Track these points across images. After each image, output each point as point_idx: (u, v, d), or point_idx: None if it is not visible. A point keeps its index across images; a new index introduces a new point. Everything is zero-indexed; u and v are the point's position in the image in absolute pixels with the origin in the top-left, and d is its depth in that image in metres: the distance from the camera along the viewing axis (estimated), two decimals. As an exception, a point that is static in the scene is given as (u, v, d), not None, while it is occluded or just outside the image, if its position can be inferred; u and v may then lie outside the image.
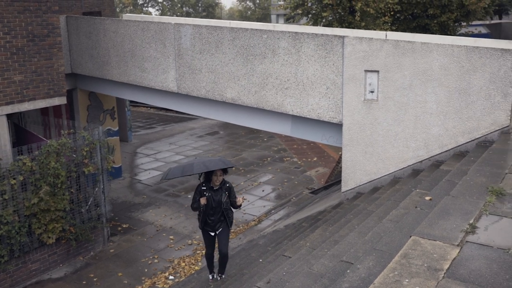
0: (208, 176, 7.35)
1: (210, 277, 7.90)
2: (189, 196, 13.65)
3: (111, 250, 10.41)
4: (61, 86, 10.93)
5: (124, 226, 11.66)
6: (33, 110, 12.96)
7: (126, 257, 10.15)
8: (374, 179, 8.29)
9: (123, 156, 16.85)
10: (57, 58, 10.80)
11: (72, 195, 9.73)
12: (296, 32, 8.89)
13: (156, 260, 9.93)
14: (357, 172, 8.48)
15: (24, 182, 8.94)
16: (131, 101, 20.27)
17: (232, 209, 7.63)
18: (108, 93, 13.46)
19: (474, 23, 26.91)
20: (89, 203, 10.12)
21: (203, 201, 7.20)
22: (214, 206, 7.31)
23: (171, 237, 11.00)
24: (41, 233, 9.23)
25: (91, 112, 14.75)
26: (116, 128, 15.78)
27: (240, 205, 7.61)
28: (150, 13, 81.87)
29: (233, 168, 15.03)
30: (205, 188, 7.31)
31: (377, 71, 7.95)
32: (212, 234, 7.57)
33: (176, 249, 10.42)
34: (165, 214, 12.35)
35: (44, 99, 10.59)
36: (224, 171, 7.38)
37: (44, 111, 13.79)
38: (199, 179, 7.52)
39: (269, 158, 17.61)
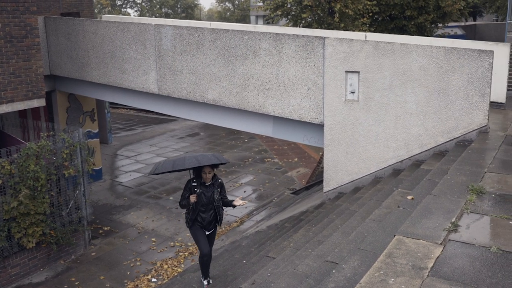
0: (199, 171, 6.82)
1: (206, 283, 7.15)
2: (171, 198, 13.59)
3: (93, 254, 10.30)
4: (39, 88, 10.78)
5: (105, 229, 11.54)
6: (11, 112, 12.75)
7: (108, 260, 10.05)
8: (356, 179, 8.37)
9: (103, 158, 16.68)
10: (36, 60, 10.65)
11: (52, 198, 9.59)
12: (277, 33, 8.92)
13: (138, 263, 9.85)
14: (338, 172, 8.55)
15: (3, 186, 8.78)
16: (110, 103, 20.08)
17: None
18: (87, 94, 13.32)
19: (450, 24, 27.40)
20: (69, 206, 9.99)
21: (193, 198, 6.68)
22: (205, 203, 6.80)
23: (153, 239, 10.93)
24: (20, 237, 9.08)
25: (71, 114, 14.57)
26: (96, 130, 15.61)
27: (234, 206, 7.00)
28: (128, 14, 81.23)
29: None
30: (196, 184, 6.79)
31: (358, 72, 8.03)
32: (204, 231, 7.02)
33: (159, 251, 10.36)
34: (146, 216, 12.26)
35: (22, 101, 10.43)
36: (213, 167, 6.86)
37: (22, 113, 13.57)
38: (189, 174, 7.00)
39: (250, 159, 17.62)
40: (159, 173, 6.69)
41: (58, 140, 9.75)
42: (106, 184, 14.93)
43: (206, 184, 6.80)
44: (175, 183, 14.85)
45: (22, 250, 9.25)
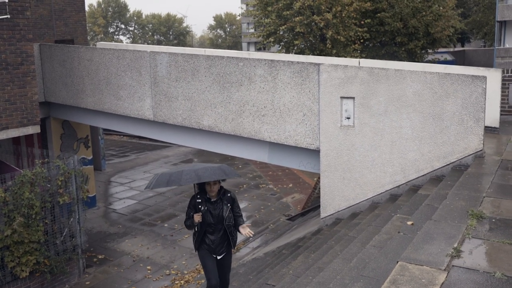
0: (202, 184, 5.93)
1: None
2: (166, 225, 13.48)
3: (87, 282, 10.13)
4: (34, 115, 10.75)
5: (99, 257, 11.38)
6: (5, 139, 12.68)
7: (102, 289, 9.89)
8: (353, 205, 8.36)
9: (97, 185, 16.56)
10: (31, 87, 10.66)
11: (46, 226, 9.47)
12: (272, 60, 9.02)
13: (133, 292, 9.70)
14: (335, 198, 8.54)
15: (-4, 214, 8.68)
16: (104, 129, 20.05)
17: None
18: (82, 121, 13.30)
19: (439, 50, 27.87)
20: (64, 234, 9.87)
21: (197, 218, 5.76)
22: (213, 222, 5.86)
23: (148, 267, 10.78)
24: (14, 266, 8.92)
25: (65, 141, 14.52)
26: (90, 157, 15.55)
27: (243, 234, 5.92)
28: (121, 41, 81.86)
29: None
30: (200, 200, 5.87)
31: (353, 98, 8.11)
32: (213, 256, 6.05)
33: (154, 279, 10.21)
34: (141, 244, 12.12)
35: (17, 128, 10.39)
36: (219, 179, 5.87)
37: (15, 140, 13.50)
38: (194, 188, 6.07)
39: (244, 185, 17.57)
40: (154, 188, 5.90)
41: (52, 167, 9.68)
42: (100, 212, 14.79)
43: (212, 200, 5.88)
44: (170, 210, 14.74)
45: (15, 280, 9.08)
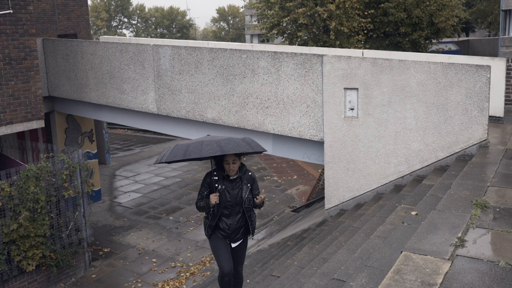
0: (221, 161, 5.19)
1: None
2: (171, 217, 13.53)
3: (93, 276, 10.20)
4: (38, 109, 10.78)
5: (105, 250, 11.45)
6: (10, 134, 12.73)
7: (108, 282, 9.95)
8: (357, 196, 8.36)
9: (102, 179, 16.62)
10: (35, 81, 10.67)
11: (52, 220, 9.53)
12: (275, 52, 8.99)
13: (139, 284, 9.76)
14: (340, 189, 8.54)
15: (2, 208, 8.73)
16: (108, 123, 20.09)
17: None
18: (86, 115, 13.33)
19: (443, 40, 27.69)
20: (69, 228, 9.93)
21: (214, 198, 5.00)
22: (230, 205, 5.15)
23: (154, 260, 10.84)
24: (20, 260, 8.99)
25: (69, 135, 14.56)
26: (95, 151, 15.59)
27: (261, 205, 5.28)
28: (124, 35, 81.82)
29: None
30: (217, 178, 5.14)
31: (356, 89, 8.08)
32: (227, 242, 5.36)
33: (160, 272, 10.26)
34: (147, 237, 12.18)
35: (21, 123, 10.42)
36: (240, 155, 5.14)
37: (20, 134, 13.56)
38: (211, 165, 5.27)
39: (249, 177, 17.58)
40: (168, 162, 4.85)
41: (57, 161, 9.73)
42: (105, 205, 14.86)
43: (231, 178, 5.17)
44: (175, 203, 14.79)
45: (21, 274, 9.16)
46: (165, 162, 4.86)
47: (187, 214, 13.70)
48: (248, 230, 5.37)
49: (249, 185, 5.23)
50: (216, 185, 5.10)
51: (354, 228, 6.69)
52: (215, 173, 5.17)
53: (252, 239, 5.72)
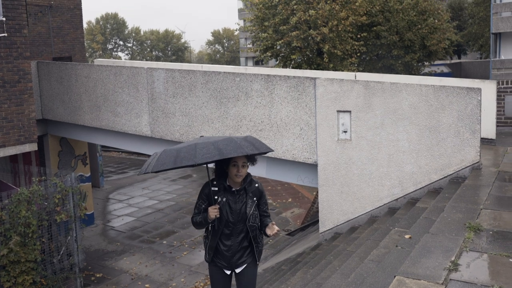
0: (222, 168, 4.34)
1: None
2: (164, 242, 13.40)
3: (84, 301, 10.05)
4: (32, 133, 10.75)
5: (97, 275, 11.29)
6: (2, 157, 12.66)
7: (100, 307, 9.79)
8: (351, 219, 8.32)
9: (95, 203, 16.49)
10: (28, 104, 10.67)
11: (43, 244, 9.41)
12: (268, 75, 9.05)
13: (131, 310, 9.61)
14: (334, 212, 8.51)
15: (-7, 233, 8.63)
16: (102, 146, 20.04)
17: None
18: (80, 138, 13.30)
19: (436, 62, 28.03)
20: (61, 253, 9.80)
21: (213, 212, 4.16)
22: (231, 221, 4.31)
23: (147, 285, 10.69)
24: (10, 286, 8.84)
25: (62, 158, 14.49)
26: (88, 174, 15.51)
27: (267, 235, 4.34)
28: (120, 58, 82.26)
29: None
30: (217, 189, 4.33)
31: (349, 111, 8.12)
32: (228, 272, 4.49)
33: (152, 297, 10.13)
34: (140, 262, 12.04)
35: (14, 146, 10.38)
36: (250, 158, 4.30)
37: (13, 158, 13.49)
38: (207, 174, 4.38)
39: (243, 200, 17.49)
40: (155, 171, 3.93)
41: (50, 185, 9.65)
42: (98, 229, 14.71)
43: (233, 189, 4.34)
44: (169, 227, 14.67)
45: (11, 300, 8.99)
46: (153, 172, 3.96)
47: (181, 238, 13.58)
48: (254, 252, 4.46)
49: (255, 199, 4.37)
50: (216, 197, 4.27)
51: (348, 252, 6.64)
52: (214, 182, 4.33)
53: (257, 264, 4.47)
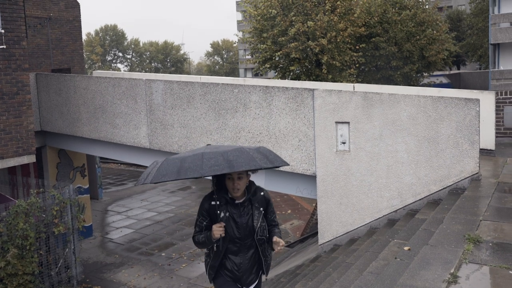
0: (222, 179, 3.99)
1: None
2: (163, 254, 13.32)
3: (82, 314, 9.96)
4: (30, 144, 10.73)
5: (95, 288, 11.22)
6: (0, 169, 12.63)
7: (97, 321, 9.71)
8: (351, 230, 8.27)
9: (93, 214, 16.43)
10: (27, 116, 10.67)
11: (41, 257, 9.36)
12: (266, 86, 9.05)
13: (129, 323, 9.53)
14: (333, 223, 8.46)
15: (-10, 246, 8.58)
16: (101, 158, 20.01)
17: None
18: (78, 150, 13.27)
19: (435, 73, 28.11)
20: (59, 265, 9.74)
21: (218, 231, 3.81)
22: (239, 238, 3.96)
23: (145, 297, 10.62)
24: (7, 299, 8.79)
25: (61, 170, 14.46)
26: (87, 186, 15.46)
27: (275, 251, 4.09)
28: (119, 69, 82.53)
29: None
30: (218, 202, 3.93)
31: (348, 123, 8.10)
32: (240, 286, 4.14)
33: (150, 310, 10.04)
34: (138, 274, 11.96)
35: (12, 158, 10.36)
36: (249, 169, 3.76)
37: (11, 169, 13.45)
38: (212, 185, 4.03)
39: (242, 211, 17.43)
40: (157, 182, 3.56)
41: (48, 197, 9.63)
42: (96, 241, 14.63)
43: (237, 201, 3.98)
44: (167, 239, 14.59)
45: (8, 313, 8.92)
46: (152, 183, 3.56)
47: (180, 250, 13.50)
48: (262, 267, 4.15)
49: (261, 209, 4.03)
50: (218, 212, 3.88)
51: (347, 264, 6.59)
52: (215, 196, 3.92)
53: (266, 279, 4.12)
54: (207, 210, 3.96)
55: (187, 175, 3.44)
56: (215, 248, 3.97)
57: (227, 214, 3.91)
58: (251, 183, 4.06)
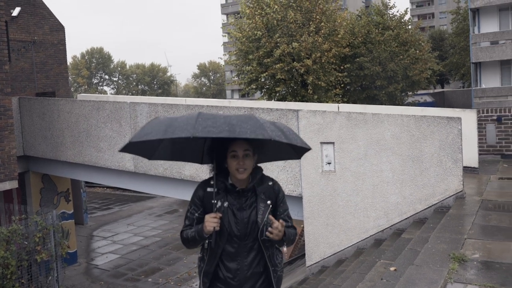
0: (223, 159, 3.07)
1: None
2: (149, 279, 13.09)
3: None
4: (12, 170, 10.57)
5: (79, 315, 10.97)
6: (-18, 196, 12.41)
7: None
8: (338, 251, 8.21)
9: (78, 240, 16.15)
10: (9, 141, 10.53)
11: (23, 286, 9.13)
12: (251, 107, 9.07)
13: None
14: (320, 245, 8.40)
15: (-30, 275, 8.36)
16: (86, 182, 19.78)
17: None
18: (62, 174, 13.11)
19: (419, 92, 28.45)
20: (41, 293, 9.51)
21: (212, 222, 2.92)
22: (237, 235, 3.05)
23: (131, 324, 10.39)
24: (-13, 330, 8.54)
25: (44, 195, 14.24)
26: (71, 211, 15.23)
27: (282, 241, 3.03)
28: (105, 92, 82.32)
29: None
30: (216, 189, 3.06)
31: (333, 143, 8.12)
32: None
33: (136, 337, 9.82)
34: (123, 300, 11.74)
35: (-6, 185, 10.18)
36: (257, 145, 3.10)
37: (-7, 196, 13.21)
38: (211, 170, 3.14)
39: (230, 233, 17.26)
40: (136, 141, 2.80)
41: (30, 223, 9.44)
42: (81, 268, 14.36)
43: (238, 189, 3.09)
44: (154, 264, 14.37)
45: None
46: (134, 142, 2.83)
47: (167, 275, 13.29)
48: (270, 280, 3.11)
49: (269, 202, 3.07)
50: (215, 201, 3.02)
51: (334, 286, 6.52)
52: (212, 182, 3.08)
53: None
54: (201, 198, 3.10)
55: (174, 133, 2.68)
56: (206, 245, 3.05)
57: (225, 204, 3.03)
58: (258, 168, 3.15)
